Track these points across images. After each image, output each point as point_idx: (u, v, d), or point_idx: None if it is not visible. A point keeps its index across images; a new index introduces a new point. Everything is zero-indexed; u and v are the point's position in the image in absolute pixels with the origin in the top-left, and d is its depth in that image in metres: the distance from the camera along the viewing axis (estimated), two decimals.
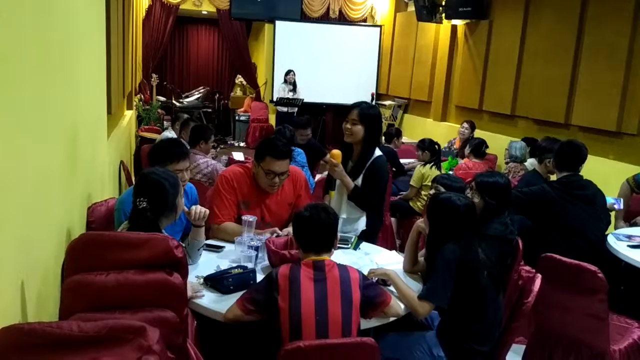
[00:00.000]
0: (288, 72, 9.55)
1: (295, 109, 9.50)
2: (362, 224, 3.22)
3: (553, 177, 3.98)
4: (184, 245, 2.51)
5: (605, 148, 5.65)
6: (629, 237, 3.50)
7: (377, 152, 3.20)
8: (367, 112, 3.13)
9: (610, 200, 3.91)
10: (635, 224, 3.85)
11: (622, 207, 4.01)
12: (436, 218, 2.47)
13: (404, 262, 2.74)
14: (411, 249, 2.69)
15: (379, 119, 3.28)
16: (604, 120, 5.65)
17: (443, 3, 8.11)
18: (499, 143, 6.60)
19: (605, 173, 5.37)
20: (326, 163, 3.22)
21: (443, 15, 8.20)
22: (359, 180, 3.15)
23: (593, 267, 2.62)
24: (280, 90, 9.57)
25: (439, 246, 2.38)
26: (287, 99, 9.43)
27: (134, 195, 2.23)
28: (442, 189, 3.13)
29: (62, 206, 2.35)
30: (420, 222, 2.69)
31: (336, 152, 3.13)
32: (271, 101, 10.46)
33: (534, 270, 2.69)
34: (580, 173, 3.66)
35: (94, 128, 3.38)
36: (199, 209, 2.54)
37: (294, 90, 9.50)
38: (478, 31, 7.85)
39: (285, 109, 9.45)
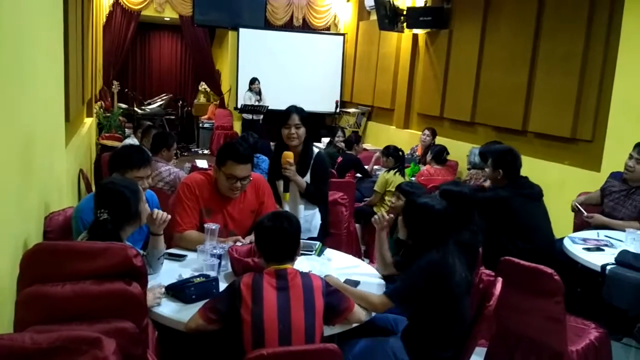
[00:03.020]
0: (253, 81, 9.50)
1: (261, 117, 9.48)
2: (318, 217, 3.42)
3: None
4: (143, 254, 2.47)
5: (560, 154, 5.81)
6: (585, 240, 3.60)
7: (315, 149, 3.42)
8: (304, 114, 3.32)
9: None
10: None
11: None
12: (416, 223, 2.46)
13: (377, 266, 2.76)
14: (381, 249, 2.72)
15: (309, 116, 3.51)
16: (559, 127, 5.81)
17: (404, 12, 8.23)
18: (459, 149, 6.74)
19: (561, 178, 5.54)
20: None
21: (404, 24, 8.31)
22: (307, 178, 3.31)
23: (550, 270, 2.68)
24: (246, 99, 9.51)
25: (420, 252, 2.37)
26: (252, 106, 9.40)
27: (95, 207, 2.20)
28: (404, 198, 3.21)
29: (16, 215, 2.28)
30: (376, 217, 2.74)
31: (289, 153, 3.24)
32: (235, 108, 10.39)
33: (494, 274, 2.75)
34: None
35: (51, 135, 3.29)
36: (161, 213, 2.51)
37: (260, 98, 9.49)
38: (438, 40, 8.00)
39: (250, 117, 9.41)
